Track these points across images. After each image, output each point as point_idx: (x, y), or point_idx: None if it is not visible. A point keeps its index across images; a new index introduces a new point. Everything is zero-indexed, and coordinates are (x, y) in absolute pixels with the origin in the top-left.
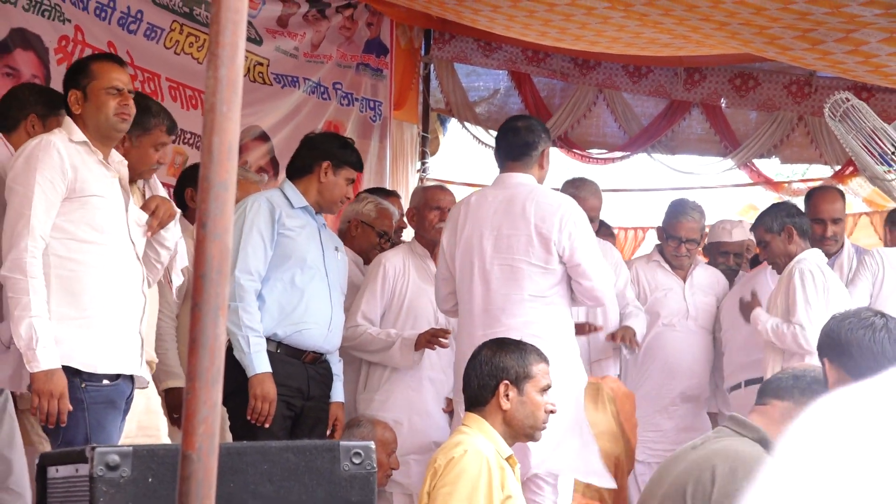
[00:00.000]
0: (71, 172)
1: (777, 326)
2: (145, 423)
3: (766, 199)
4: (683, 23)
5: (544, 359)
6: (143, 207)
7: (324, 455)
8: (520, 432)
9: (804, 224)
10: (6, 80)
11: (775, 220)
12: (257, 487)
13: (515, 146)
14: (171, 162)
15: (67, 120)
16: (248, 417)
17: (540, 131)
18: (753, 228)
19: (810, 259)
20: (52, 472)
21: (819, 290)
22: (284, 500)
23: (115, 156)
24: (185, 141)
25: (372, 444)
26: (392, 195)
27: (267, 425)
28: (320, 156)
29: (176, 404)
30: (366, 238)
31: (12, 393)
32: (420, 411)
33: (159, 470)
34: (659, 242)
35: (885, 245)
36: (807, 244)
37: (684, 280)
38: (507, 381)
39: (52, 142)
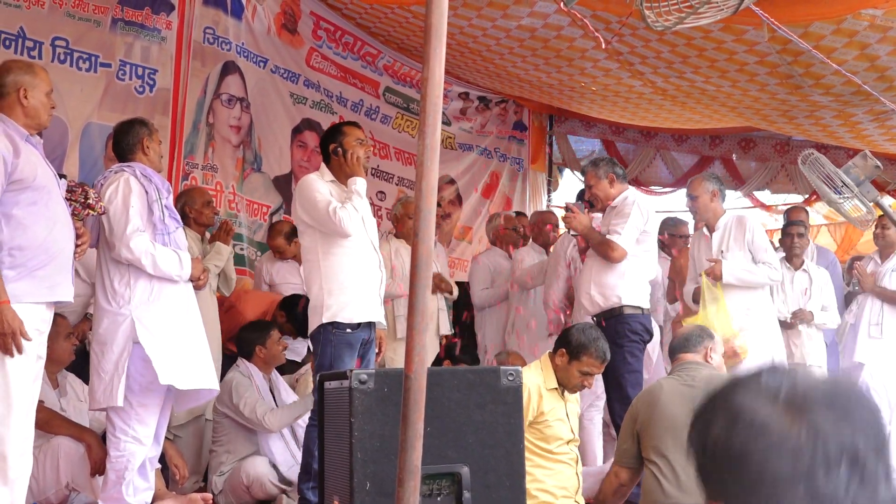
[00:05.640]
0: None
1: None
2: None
3: (762, 217)
4: (708, 108)
5: (601, 360)
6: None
7: (491, 374)
8: (560, 383)
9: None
10: (299, 150)
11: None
12: (450, 395)
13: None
14: (396, 198)
15: (322, 165)
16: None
17: None
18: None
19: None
20: (327, 385)
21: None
22: (466, 402)
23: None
24: (404, 185)
25: (520, 369)
26: (521, 215)
27: None
28: None
29: None
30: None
31: None
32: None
33: (391, 384)
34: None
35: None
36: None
37: None
38: (564, 350)
39: (316, 179)
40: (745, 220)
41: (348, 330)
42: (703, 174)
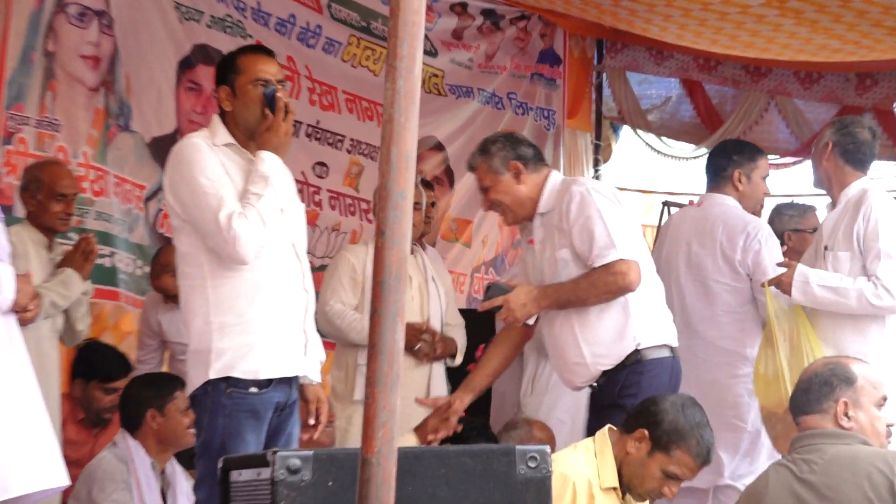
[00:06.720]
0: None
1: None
2: None
3: None
4: (854, 28)
5: (702, 461)
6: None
7: (500, 459)
8: (627, 482)
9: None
10: (189, 95)
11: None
12: (435, 491)
13: (708, 168)
14: (346, 172)
15: (215, 119)
16: None
17: (731, 153)
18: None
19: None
20: (235, 475)
21: None
22: (460, 502)
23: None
24: (361, 152)
25: (548, 448)
26: None
27: None
28: None
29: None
30: None
31: None
32: (585, 409)
33: (339, 474)
34: None
35: None
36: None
37: None
38: (647, 432)
39: (199, 146)
40: (868, 195)
41: (252, 389)
42: (838, 119)
